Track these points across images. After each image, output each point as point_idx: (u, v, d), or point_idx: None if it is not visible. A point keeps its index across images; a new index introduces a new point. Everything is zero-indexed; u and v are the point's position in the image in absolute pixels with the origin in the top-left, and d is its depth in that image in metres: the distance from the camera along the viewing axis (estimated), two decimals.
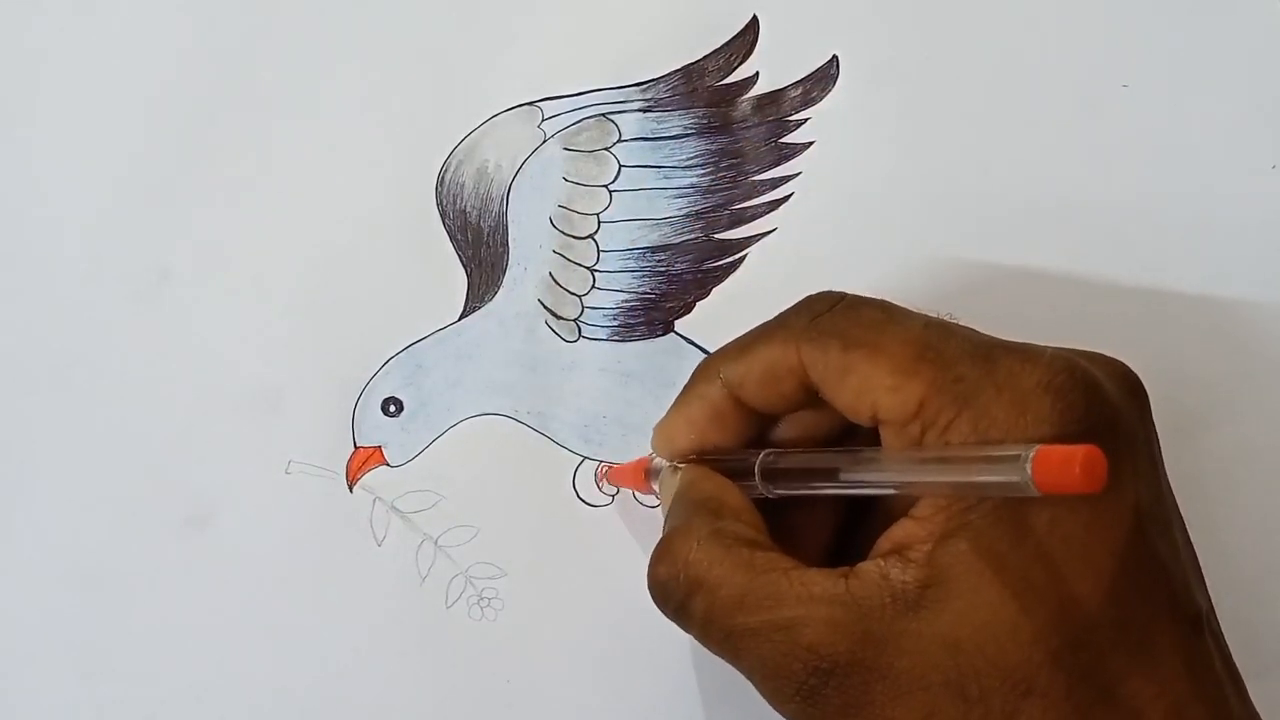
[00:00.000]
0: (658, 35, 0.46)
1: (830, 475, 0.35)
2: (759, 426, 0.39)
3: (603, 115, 0.46)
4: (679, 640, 0.43)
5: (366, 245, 0.46)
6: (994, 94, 0.46)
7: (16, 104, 0.47)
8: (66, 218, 0.46)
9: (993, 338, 0.35)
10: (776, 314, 0.38)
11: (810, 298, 0.37)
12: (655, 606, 0.37)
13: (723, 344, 0.39)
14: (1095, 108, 0.46)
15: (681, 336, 0.45)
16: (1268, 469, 0.44)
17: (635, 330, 0.45)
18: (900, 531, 0.34)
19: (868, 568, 0.33)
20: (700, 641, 0.36)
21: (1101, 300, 0.45)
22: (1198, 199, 0.46)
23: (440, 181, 0.46)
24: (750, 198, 0.46)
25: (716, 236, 0.45)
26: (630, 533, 0.44)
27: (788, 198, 0.46)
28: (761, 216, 0.45)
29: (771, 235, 0.45)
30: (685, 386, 0.39)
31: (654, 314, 0.45)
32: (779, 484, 0.37)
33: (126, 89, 0.47)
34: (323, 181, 0.46)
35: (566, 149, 0.46)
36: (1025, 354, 0.34)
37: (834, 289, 0.37)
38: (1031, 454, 0.29)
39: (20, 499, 0.45)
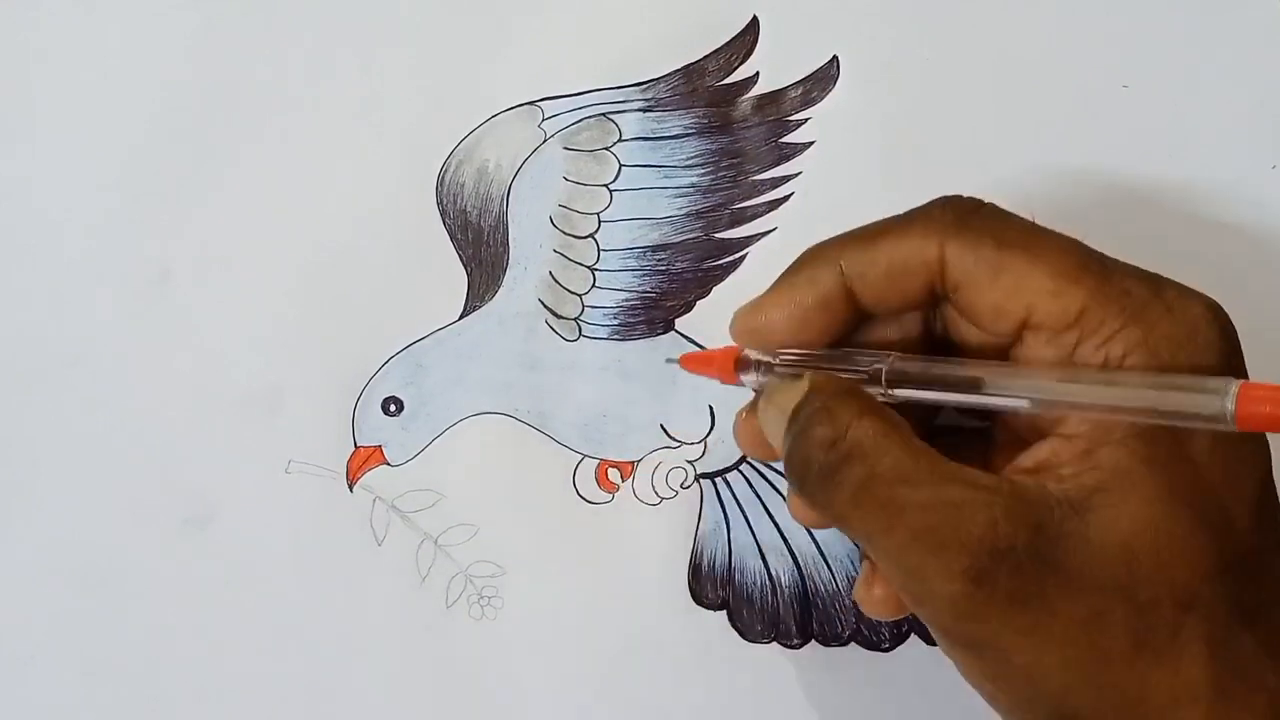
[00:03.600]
0: (658, 35, 0.46)
1: (974, 385, 0.34)
2: (851, 331, 0.37)
3: (603, 115, 0.46)
4: (679, 638, 0.43)
5: (366, 245, 0.46)
6: (994, 94, 0.46)
7: (17, 104, 0.47)
8: (67, 218, 0.46)
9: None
10: (907, 210, 0.36)
11: (950, 197, 0.36)
12: (789, 474, 0.35)
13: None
14: (1095, 108, 0.46)
15: (682, 335, 0.45)
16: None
17: (635, 329, 0.45)
18: (1045, 450, 0.33)
19: (1022, 478, 0.33)
20: (838, 513, 0.34)
21: None
22: (1198, 199, 0.46)
23: (440, 181, 0.46)
24: (750, 197, 0.46)
25: (717, 236, 0.45)
26: (630, 531, 0.44)
27: (788, 197, 0.46)
28: (761, 216, 0.46)
29: (771, 235, 0.45)
30: (788, 269, 0.37)
31: (654, 313, 0.45)
32: (907, 386, 0.35)
33: (127, 89, 0.47)
34: (323, 181, 0.46)
35: (567, 148, 0.46)
36: (1185, 287, 0.34)
37: None
38: (1234, 389, 0.29)
39: (20, 499, 0.45)
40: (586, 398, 0.45)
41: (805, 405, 0.35)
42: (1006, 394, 0.33)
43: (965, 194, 0.36)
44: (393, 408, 0.45)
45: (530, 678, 0.43)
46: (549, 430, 0.44)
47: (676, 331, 0.45)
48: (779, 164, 0.46)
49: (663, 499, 0.44)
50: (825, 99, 0.46)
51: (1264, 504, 0.33)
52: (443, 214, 0.46)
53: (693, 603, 0.44)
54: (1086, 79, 0.46)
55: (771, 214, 0.46)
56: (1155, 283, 0.34)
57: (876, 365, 0.35)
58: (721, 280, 0.45)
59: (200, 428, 0.45)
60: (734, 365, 0.38)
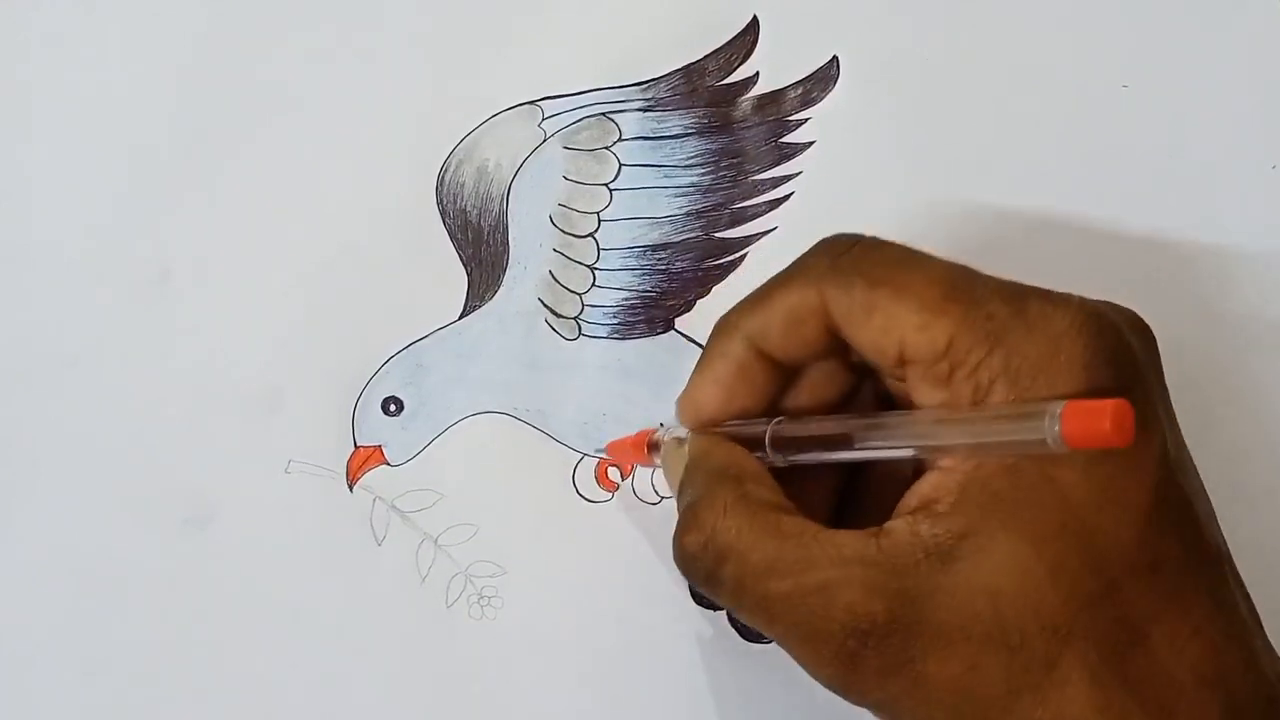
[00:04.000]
0: (658, 35, 0.46)
1: (845, 442, 0.35)
2: (781, 384, 0.38)
3: (603, 114, 0.46)
4: (679, 638, 0.43)
5: (367, 245, 0.46)
6: (994, 94, 0.46)
7: (17, 104, 0.47)
8: (67, 218, 0.46)
9: (1019, 282, 0.34)
10: (791, 261, 0.37)
11: (826, 240, 0.37)
12: (681, 575, 0.37)
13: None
14: (1095, 108, 0.46)
15: (682, 334, 0.45)
16: (1270, 468, 0.44)
17: (635, 328, 0.45)
18: (927, 486, 0.33)
19: (897, 525, 0.33)
20: (732, 610, 0.36)
21: (1102, 300, 0.45)
22: (1198, 199, 0.46)
23: (440, 181, 0.46)
24: (750, 197, 0.46)
25: (717, 235, 0.45)
26: (630, 530, 0.44)
27: (788, 197, 0.46)
28: (761, 215, 0.46)
29: (771, 234, 0.45)
30: (705, 348, 0.38)
31: (654, 312, 0.45)
32: (792, 452, 0.36)
33: (127, 89, 0.47)
34: (323, 181, 0.46)
35: (567, 148, 0.46)
36: (1054, 297, 0.34)
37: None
38: (1059, 410, 0.29)
39: (20, 499, 0.45)
40: (586, 397, 0.45)
41: (685, 484, 0.37)
42: (875, 447, 0.34)
43: (851, 231, 0.37)
44: (393, 407, 0.45)
45: (530, 678, 0.43)
46: (549, 429, 0.44)
47: (676, 331, 0.45)
48: (779, 164, 0.46)
49: (663, 497, 0.44)
50: (825, 99, 0.46)
51: (1157, 511, 0.32)
52: (443, 214, 0.46)
53: (693, 602, 0.44)
54: (1086, 79, 0.46)
55: (771, 214, 0.46)
56: (1020, 301, 0.33)
57: (760, 430, 0.37)
58: (721, 280, 0.45)
59: (200, 428, 0.45)
60: (646, 448, 0.41)
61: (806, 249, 0.37)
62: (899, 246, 0.36)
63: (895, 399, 0.38)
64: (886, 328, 0.34)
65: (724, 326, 0.38)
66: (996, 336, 0.33)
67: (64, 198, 0.46)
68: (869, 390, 0.38)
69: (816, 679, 0.34)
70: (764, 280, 0.38)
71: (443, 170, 0.46)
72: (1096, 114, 0.46)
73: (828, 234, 0.37)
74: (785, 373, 0.38)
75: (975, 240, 0.45)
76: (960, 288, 0.34)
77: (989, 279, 0.34)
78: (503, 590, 0.44)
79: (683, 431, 0.39)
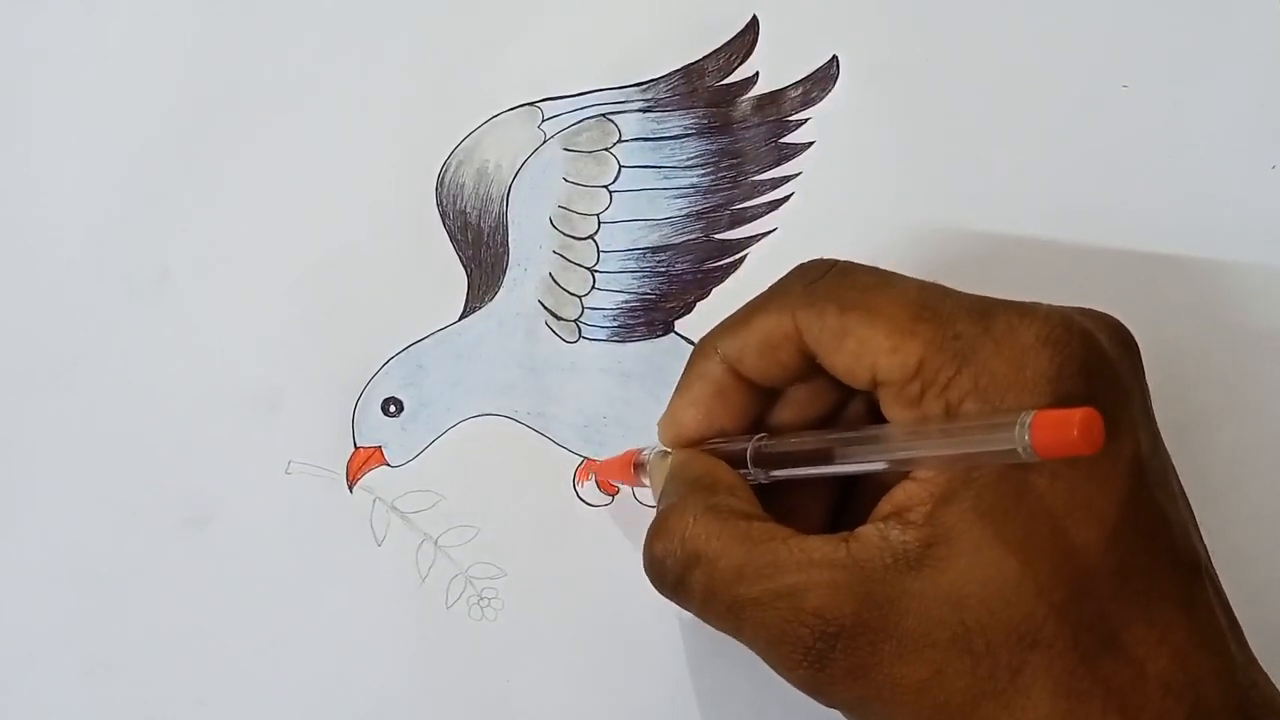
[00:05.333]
0: (658, 35, 0.46)
1: (825, 457, 0.35)
2: (761, 403, 0.39)
3: (603, 115, 0.46)
4: (679, 640, 0.43)
5: (367, 245, 0.46)
6: (994, 94, 0.46)
7: (17, 104, 0.47)
8: (67, 218, 0.46)
9: (988, 297, 0.35)
10: (769, 285, 0.38)
11: (802, 265, 0.37)
12: (654, 588, 0.37)
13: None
14: (1095, 108, 0.46)
15: (682, 337, 0.45)
16: (1270, 469, 0.44)
17: (635, 331, 0.45)
18: (901, 494, 0.34)
19: (867, 531, 0.34)
20: (701, 616, 0.36)
21: (1102, 302, 0.44)
22: (1198, 199, 0.46)
23: (440, 182, 0.46)
24: (750, 198, 0.46)
25: (717, 237, 0.45)
26: (630, 533, 0.44)
27: (788, 198, 0.46)
28: (761, 216, 0.46)
29: (771, 235, 0.45)
30: (685, 369, 0.39)
31: (654, 314, 0.45)
32: (774, 469, 0.37)
33: (127, 89, 0.47)
34: (323, 181, 0.46)
35: (567, 149, 0.46)
36: (1021, 310, 0.34)
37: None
38: (1029, 419, 0.29)
39: (20, 499, 0.45)
40: (586, 400, 0.45)
41: (663, 494, 0.38)
42: (854, 462, 0.35)
43: (828, 255, 0.37)
44: (393, 408, 0.45)
45: (530, 679, 0.43)
46: (549, 432, 0.44)
47: (676, 333, 0.45)
48: (779, 164, 0.46)
49: None
50: (825, 99, 0.46)
51: (1126, 517, 0.33)
52: (443, 215, 0.46)
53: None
54: (1086, 79, 0.46)
55: (772, 214, 0.46)
56: (987, 317, 0.34)
57: (743, 448, 0.37)
58: (721, 281, 0.45)
59: (200, 428, 0.45)
60: (632, 467, 0.41)
61: (787, 270, 0.37)
62: (872, 270, 0.36)
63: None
64: (858, 353, 0.34)
65: (703, 348, 0.38)
66: (965, 355, 0.33)
67: (64, 197, 0.46)
68: (861, 402, 0.38)
69: (787, 681, 0.34)
70: (758, 286, 0.38)
71: (443, 171, 0.46)
72: (1096, 114, 0.46)
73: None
74: (765, 393, 0.38)
75: (974, 241, 0.45)
76: (929, 308, 0.34)
77: (959, 296, 0.35)
78: (502, 592, 0.44)
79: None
